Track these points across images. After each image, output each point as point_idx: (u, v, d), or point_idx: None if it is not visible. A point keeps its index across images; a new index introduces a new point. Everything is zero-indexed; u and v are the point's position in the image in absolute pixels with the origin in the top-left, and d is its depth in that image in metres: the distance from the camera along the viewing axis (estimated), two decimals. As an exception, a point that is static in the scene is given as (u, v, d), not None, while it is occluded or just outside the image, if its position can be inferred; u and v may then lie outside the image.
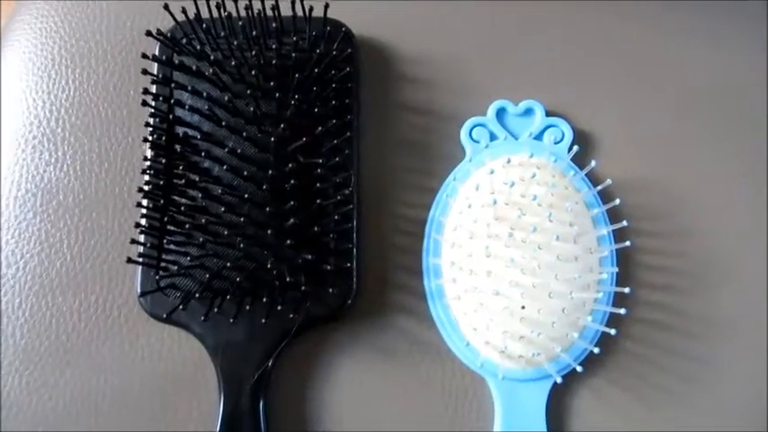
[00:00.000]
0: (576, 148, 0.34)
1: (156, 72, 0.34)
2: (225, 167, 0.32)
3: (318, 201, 0.32)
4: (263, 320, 0.31)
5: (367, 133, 0.36)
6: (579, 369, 0.31)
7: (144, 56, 0.32)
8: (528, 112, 0.36)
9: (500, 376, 0.32)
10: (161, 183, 0.33)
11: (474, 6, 0.39)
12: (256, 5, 0.33)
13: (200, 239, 0.31)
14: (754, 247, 0.35)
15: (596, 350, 0.32)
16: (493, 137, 0.36)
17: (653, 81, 0.38)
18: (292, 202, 0.31)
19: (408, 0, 0.38)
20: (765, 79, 0.38)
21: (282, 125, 0.32)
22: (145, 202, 0.33)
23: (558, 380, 0.32)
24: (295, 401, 0.34)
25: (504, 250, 0.32)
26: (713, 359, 0.34)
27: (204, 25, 0.33)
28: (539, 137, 0.36)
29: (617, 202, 0.33)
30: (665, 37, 0.38)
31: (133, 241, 0.32)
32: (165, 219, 0.32)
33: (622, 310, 0.31)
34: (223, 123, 0.32)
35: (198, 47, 0.34)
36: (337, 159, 0.33)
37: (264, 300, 0.32)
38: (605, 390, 0.34)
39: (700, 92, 0.38)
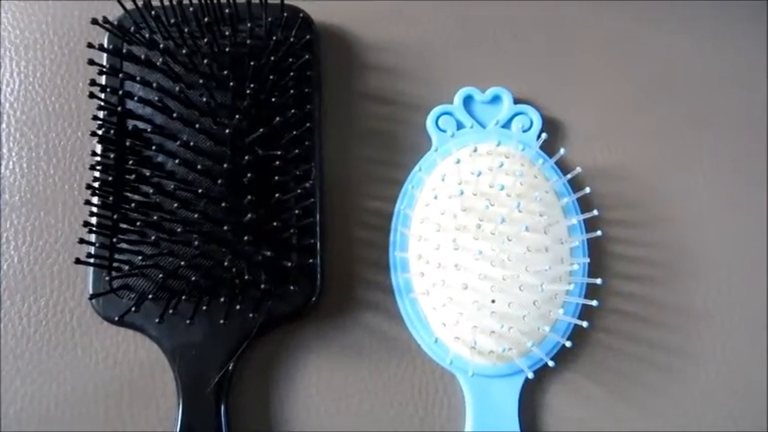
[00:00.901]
0: (544, 135, 0.33)
1: (104, 63, 0.32)
2: (178, 161, 0.30)
3: (278, 195, 0.31)
4: (222, 321, 0.30)
5: (329, 123, 0.35)
6: (551, 364, 0.31)
7: (90, 45, 0.30)
8: (495, 99, 0.35)
9: (470, 373, 0.31)
10: (111, 179, 0.31)
11: (439, -9, 0.37)
12: (208, -10, 0.31)
13: (154, 237, 0.30)
14: (726, 236, 0.35)
15: (568, 344, 0.31)
16: (460, 125, 0.35)
17: (622, 68, 0.37)
18: (250, 197, 0.30)
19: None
20: (735, 66, 0.37)
21: (238, 116, 0.31)
22: (95, 200, 0.31)
23: (530, 375, 0.31)
24: (258, 405, 0.32)
25: (472, 242, 0.31)
26: (687, 349, 0.33)
27: (154, 13, 0.31)
28: (507, 125, 0.35)
29: (587, 190, 0.32)
30: (635, 23, 0.37)
31: (82, 241, 0.30)
32: (116, 216, 0.31)
33: (594, 302, 0.30)
34: (175, 115, 0.30)
35: (148, 35, 0.32)
36: (297, 151, 0.32)
37: (223, 299, 0.30)
38: (578, 383, 0.33)
39: (669, 79, 0.37)
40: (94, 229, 0.31)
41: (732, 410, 0.33)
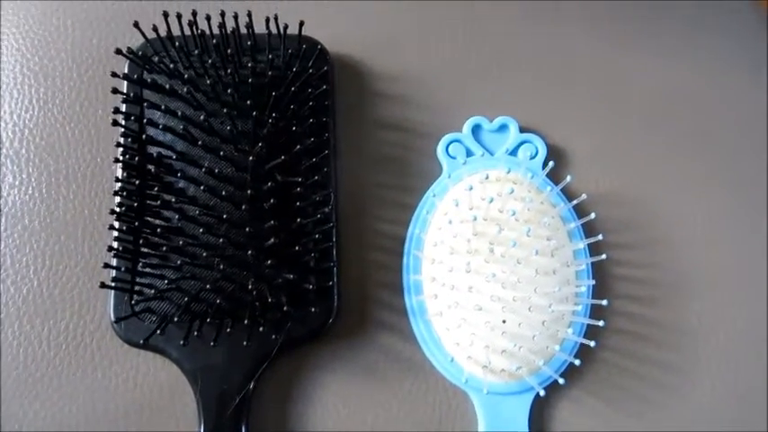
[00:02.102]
0: (551, 163, 0.34)
1: (126, 91, 0.33)
2: (201, 187, 0.31)
3: (298, 219, 0.32)
4: (245, 343, 0.31)
5: (344, 151, 0.36)
6: (561, 381, 0.32)
7: (114, 74, 0.31)
8: (502, 128, 0.37)
9: (485, 391, 0.32)
10: (134, 204, 0.32)
11: (447, 24, 0.39)
12: (230, 23, 0.32)
13: (177, 261, 0.31)
14: (723, 256, 0.37)
15: (577, 362, 0.32)
16: (469, 153, 0.36)
17: (621, 96, 0.39)
18: (272, 222, 0.31)
19: (382, 17, 0.39)
20: (732, 92, 0.39)
21: (260, 143, 0.32)
22: (117, 225, 0.32)
23: (541, 392, 0.32)
24: (277, 424, 0.33)
25: (484, 265, 0.33)
26: (684, 366, 0.35)
27: (176, 43, 0.32)
28: (513, 152, 0.36)
29: (592, 216, 0.33)
30: (636, 52, 0.39)
31: (106, 265, 0.31)
32: (140, 241, 0.32)
33: (601, 322, 0.32)
34: (198, 143, 0.31)
35: (170, 65, 0.33)
36: (316, 178, 0.33)
37: (245, 322, 0.31)
38: (585, 400, 0.34)
39: (668, 107, 0.39)
40: (118, 253, 0.31)
41: (728, 425, 0.34)
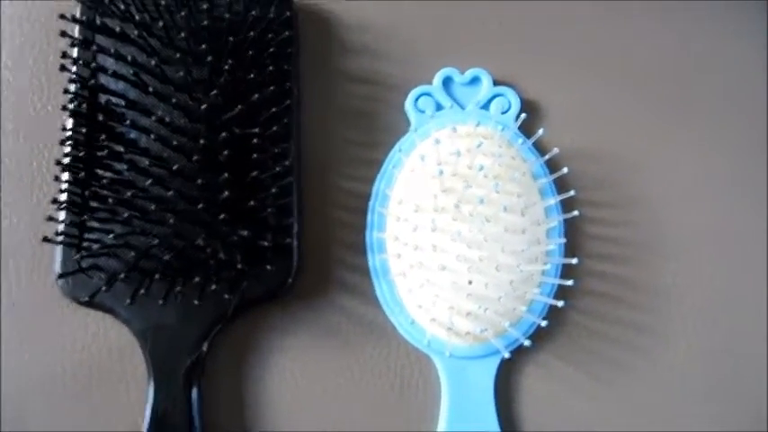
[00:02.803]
0: (522, 116, 0.33)
1: (77, 35, 0.31)
2: (153, 138, 0.29)
3: (255, 173, 0.30)
4: (196, 302, 0.29)
5: (308, 103, 0.34)
6: (527, 343, 0.31)
7: (62, 16, 0.29)
8: (475, 80, 0.35)
9: (447, 353, 0.31)
10: (82, 155, 0.30)
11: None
12: (185, -38, 0.30)
13: (126, 215, 0.29)
14: (699, 215, 0.35)
15: (544, 323, 0.31)
16: (439, 106, 0.35)
17: (600, 50, 0.37)
18: (226, 175, 0.29)
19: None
20: (711, 48, 0.38)
21: (215, 92, 0.30)
22: (65, 176, 0.30)
23: (507, 355, 0.31)
24: (232, 388, 0.32)
25: (450, 223, 0.31)
26: (658, 328, 0.34)
27: (128, -16, 0.30)
28: (486, 106, 0.35)
29: (564, 170, 0.32)
30: (613, 7, 0.38)
31: (51, 218, 0.29)
32: (87, 194, 0.30)
33: (570, 282, 0.31)
34: (150, 90, 0.29)
35: (123, 7, 0.31)
36: (275, 129, 0.31)
37: (197, 280, 0.29)
38: (554, 363, 0.33)
39: (647, 61, 0.37)
40: (64, 206, 0.30)
41: (701, 387, 0.33)
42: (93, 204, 0.30)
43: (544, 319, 0.31)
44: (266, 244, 0.30)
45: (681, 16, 0.38)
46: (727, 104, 0.37)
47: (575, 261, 0.31)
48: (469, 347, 0.31)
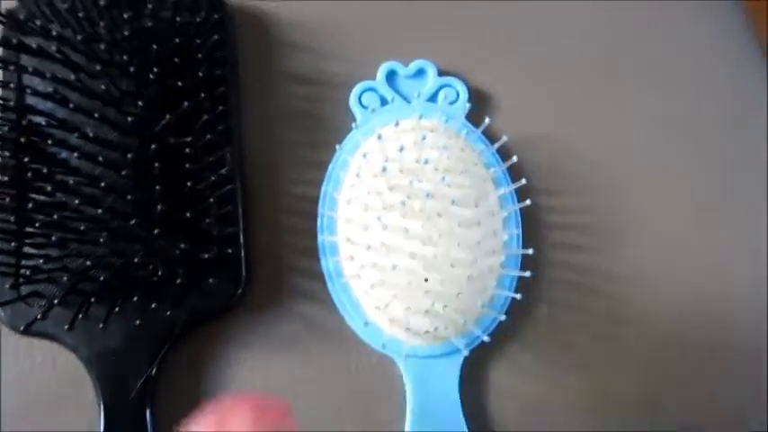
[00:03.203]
0: (467, 105, 0.31)
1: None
2: (82, 155, 0.28)
3: (189, 183, 0.29)
4: (138, 322, 0.28)
5: (248, 106, 0.33)
6: (486, 339, 0.30)
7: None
8: (420, 72, 0.34)
9: (403, 355, 0.30)
10: (6, 179, 0.29)
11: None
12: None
13: (60, 238, 0.28)
14: (658, 199, 0.34)
15: (503, 318, 0.30)
16: (383, 101, 0.33)
17: (547, 35, 0.36)
18: (158, 187, 0.28)
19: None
20: (661, 25, 0.36)
21: (141, 103, 0.29)
22: (-8, 204, 0.29)
23: (465, 353, 0.30)
24: (188, 407, 0.30)
25: (399, 220, 0.30)
26: (621, 315, 0.33)
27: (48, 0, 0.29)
28: (433, 98, 0.34)
29: (514, 159, 0.31)
30: None
31: (-18, 247, 0.28)
32: (18, 219, 0.29)
33: (527, 273, 0.30)
34: (74, 106, 0.28)
35: (40, 23, 0.30)
36: (210, 137, 0.30)
37: (135, 299, 0.28)
38: (519, 357, 0.32)
39: (595, 43, 0.36)
40: (-5, 233, 0.29)
41: (668, 373, 0.32)
42: (27, 230, 0.29)
43: (506, 313, 0.30)
44: (207, 256, 0.29)
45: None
46: (681, 81, 0.36)
47: (531, 252, 0.30)
48: (430, 347, 0.30)
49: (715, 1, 0.38)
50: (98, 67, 0.29)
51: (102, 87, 0.29)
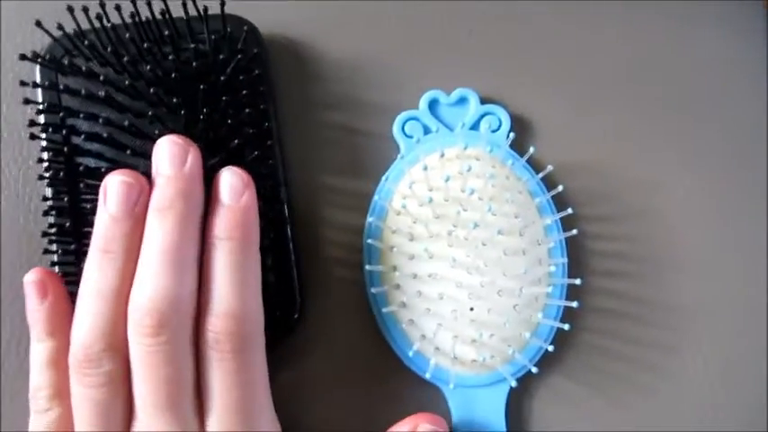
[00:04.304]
0: (512, 135, 0.31)
1: (41, 99, 0.30)
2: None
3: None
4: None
5: (291, 140, 0.33)
6: (534, 370, 0.30)
7: (23, 83, 0.28)
8: (462, 101, 0.34)
9: (451, 384, 0.31)
10: (67, 224, 0.30)
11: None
12: (144, 12, 0.29)
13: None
14: (707, 226, 0.34)
15: (551, 348, 0.30)
16: (427, 130, 0.33)
17: (590, 61, 0.35)
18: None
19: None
20: (706, 53, 0.36)
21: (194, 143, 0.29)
22: (54, 248, 0.30)
23: (513, 383, 0.30)
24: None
25: (446, 250, 0.30)
26: (672, 344, 0.33)
27: (86, 41, 0.29)
28: (475, 126, 0.33)
29: (560, 188, 0.31)
30: (599, 16, 0.36)
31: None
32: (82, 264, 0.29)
33: (574, 303, 0.30)
34: (128, 151, 0.29)
35: (84, 66, 0.30)
36: (262, 171, 0.31)
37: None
38: (565, 387, 0.32)
39: (640, 69, 0.35)
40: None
41: (721, 405, 0.32)
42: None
43: (553, 342, 0.31)
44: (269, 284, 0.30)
45: (674, 24, 0.36)
46: (727, 112, 0.35)
47: (578, 282, 0.30)
48: (475, 376, 0.31)
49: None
50: (148, 110, 0.29)
51: (155, 128, 0.29)
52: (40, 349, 0.28)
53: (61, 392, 0.27)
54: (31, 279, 0.28)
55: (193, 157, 0.28)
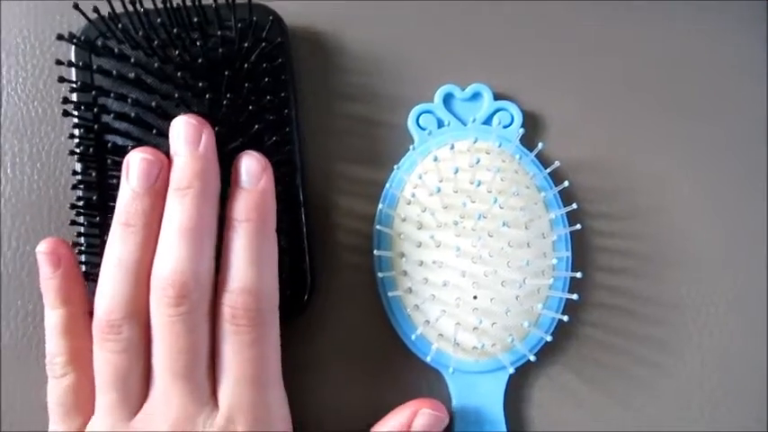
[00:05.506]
0: (521, 130, 0.32)
1: (75, 77, 0.32)
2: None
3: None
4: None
5: (309, 127, 0.35)
6: (533, 358, 0.31)
7: (58, 62, 0.30)
8: (476, 96, 0.35)
9: (450, 369, 0.32)
10: (94, 197, 0.31)
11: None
12: (174, -3, 0.31)
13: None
14: (709, 224, 0.35)
15: (549, 338, 0.31)
16: (440, 123, 0.34)
17: (600, 60, 0.36)
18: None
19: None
20: (712, 54, 0.36)
21: (217, 126, 0.31)
22: (81, 219, 0.32)
23: (511, 371, 0.31)
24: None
25: (452, 239, 0.32)
26: (671, 341, 0.34)
27: (119, 24, 0.31)
28: (487, 121, 0.34)
29: (566, 183, 0.32)
30: (612, 16, 0.36)
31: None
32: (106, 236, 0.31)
33: (575, 296, 0.31)
34: (153, 130, 0.30)
35: (116, 48, 0.31)
36: (280, 156, 0.32)
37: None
38: (564, 378, 0.33)
39: (648, 69, 0.36)
40: (83, 249, 0.31)
41: (718, 402, 0.33)
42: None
43: (552, 333, 0.31)
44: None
45: (682, 24, 0.36)
46: (734, 111, 0.36)
47: (579, 275, 0.31)
48: (475, 363, 0.32)
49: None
50: (174, 92, 0.30)
51: (181, 110, 0.30)
52: (54, 317, 0.29)
53: (76, 358, 0.29)
54: (43, 249, 0.30)
55: (207, 136, 0.29)
